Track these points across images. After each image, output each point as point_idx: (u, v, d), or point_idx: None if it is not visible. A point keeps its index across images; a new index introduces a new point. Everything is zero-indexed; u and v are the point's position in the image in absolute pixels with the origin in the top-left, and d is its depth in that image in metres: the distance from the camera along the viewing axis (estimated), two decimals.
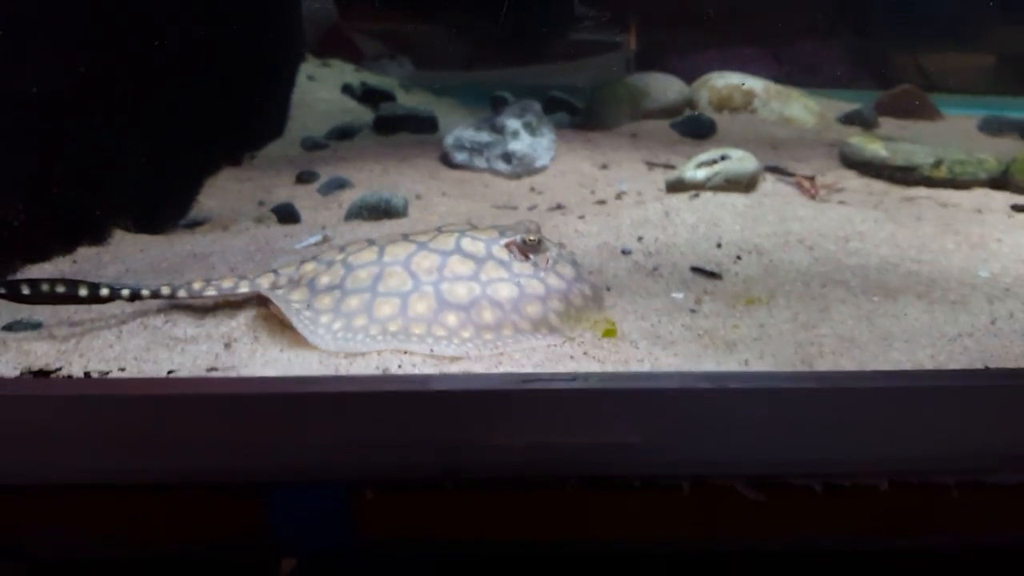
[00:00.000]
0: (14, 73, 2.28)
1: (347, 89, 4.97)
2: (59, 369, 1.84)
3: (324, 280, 2.04)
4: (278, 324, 2.01)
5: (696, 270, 2.38)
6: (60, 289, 1.98)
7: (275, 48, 4.12)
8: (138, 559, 2.08)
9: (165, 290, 2.06)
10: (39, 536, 1.80)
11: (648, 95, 4.47)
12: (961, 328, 2.05)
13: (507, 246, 2.08)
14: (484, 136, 3.66)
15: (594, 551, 1.99)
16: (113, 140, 2.68)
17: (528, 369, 1.84)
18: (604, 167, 3.63)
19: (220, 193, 3.36)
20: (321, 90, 4.84)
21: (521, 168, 3.58)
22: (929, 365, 1.88)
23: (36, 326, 2.04)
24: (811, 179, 3.31)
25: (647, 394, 1.67)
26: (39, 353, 1.90)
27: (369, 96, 4.88)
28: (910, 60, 4.89)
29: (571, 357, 1.89)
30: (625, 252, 2.52)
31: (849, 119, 4.43)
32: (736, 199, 2.91)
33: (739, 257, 2.47)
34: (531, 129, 3.68)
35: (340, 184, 3.36)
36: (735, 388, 1.66)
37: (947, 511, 1.75)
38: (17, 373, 1.82)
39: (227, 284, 2.09)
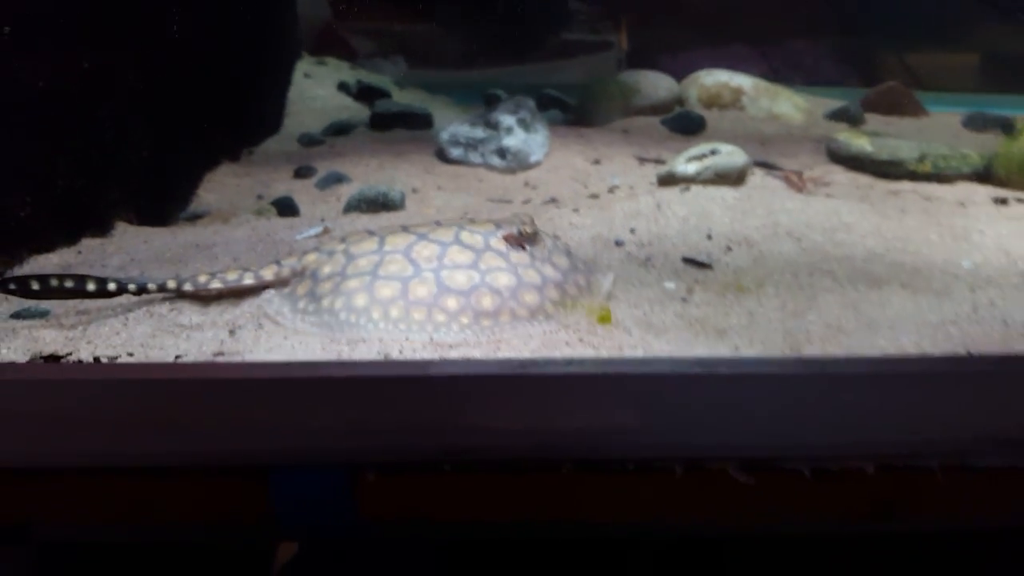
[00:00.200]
0: (21, 68, 2.31)
1: (343, 87, 4.99)
2: (69, 354, 1.87)
3: (327, 269, 2.08)
4: None
5: (687, 260, 2.43)
6: (68, 284, 2.02)
7: (272, 46, 4.14)
8: (144, 542, 2.12)
9: (171, 284, 2.09)
10: (47, 519, 1.82)
11: (639, 92, 4.51)
12: (944, 316, 2.09)
13: (504, 238, 2.13)
14: (479, 132, 3.69)
15: (588, 533, 2.03)
16: (116, 134, 2.71)
17: (525, 355, 1.88)
18: (597, 162, 3.67)
19: (219, 187, 3.39)
20: (317, 87, 4.86)
21: (515, 163, 3.61)
22: (913, 351, 1.92)
23: (43, 314, 2.08)
24: (799, 174, 3.36)
25: (641, 379, 1.69)
26: (47, 340, 1.94)
27: (365, 93, 4.90)
28: (896, 59, 4.96)
29: (567, 344, 1.93)
30: (618, 243, 2.57)
31: (836, 116, 4.46)
32: (726, 192, 2.95)
33: (729, 248, 2.52)
34: (525, 125, 3.71)
35: (338, 179, 3.39)
36: (726, 373, 1.68)
37: (932, 494, 1.77)
38: (28, 359, 1.85)
39: (232, 276, 2.12)
